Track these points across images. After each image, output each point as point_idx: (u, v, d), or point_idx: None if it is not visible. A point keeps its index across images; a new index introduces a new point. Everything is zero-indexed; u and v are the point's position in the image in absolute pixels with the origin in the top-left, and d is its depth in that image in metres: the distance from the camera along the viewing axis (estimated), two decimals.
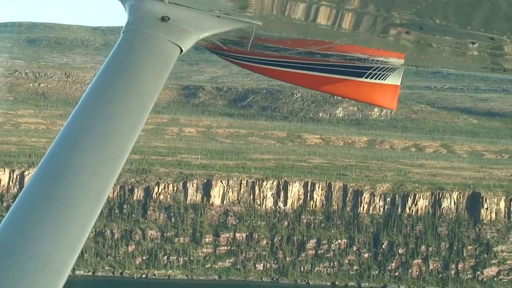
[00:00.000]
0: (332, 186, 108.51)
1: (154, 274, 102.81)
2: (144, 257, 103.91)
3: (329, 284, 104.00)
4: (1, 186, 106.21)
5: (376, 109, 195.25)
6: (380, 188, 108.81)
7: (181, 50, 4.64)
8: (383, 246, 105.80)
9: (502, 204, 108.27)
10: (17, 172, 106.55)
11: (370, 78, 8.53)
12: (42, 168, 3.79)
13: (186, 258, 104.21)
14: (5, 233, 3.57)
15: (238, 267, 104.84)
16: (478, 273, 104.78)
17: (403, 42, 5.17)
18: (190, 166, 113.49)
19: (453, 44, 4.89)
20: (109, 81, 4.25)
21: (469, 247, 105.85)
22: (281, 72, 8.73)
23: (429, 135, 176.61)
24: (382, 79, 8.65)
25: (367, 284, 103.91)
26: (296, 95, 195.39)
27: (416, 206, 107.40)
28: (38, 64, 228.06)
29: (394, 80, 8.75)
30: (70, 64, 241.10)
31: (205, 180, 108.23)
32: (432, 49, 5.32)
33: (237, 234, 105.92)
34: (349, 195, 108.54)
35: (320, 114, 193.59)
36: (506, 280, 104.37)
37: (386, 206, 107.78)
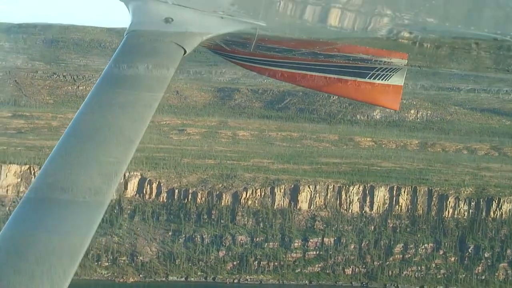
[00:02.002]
0: (418, 190, 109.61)
1: (246, 279, 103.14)
2: (235, 262, 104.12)
3: None
4: None
5: (412, 111, 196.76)
6: (464, 192, 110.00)
7: (185, 51, 4.75)
8: (469, 250, 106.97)
9: None
10: None
11: (373, 79, 8.60)
12: (48, 165, 3.87)
13: (276, 263, 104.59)
14: (10, 233, 3.66)
15: (328, 271, 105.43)
16: None
17: (407, 43, 5.33)
18: (272, 171, 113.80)
19: (457, 45, 5.10)
20: (114, 82, 4.34)
21: None
22: (285, 72, 8.80)
23: (468, 136, 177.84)
24: (385, 80, 8.71)
25: (455, 287, 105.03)
26: (333, 96, 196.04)
27: (501, 210, 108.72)
28: (58, 66, 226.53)
29: (397, 80, 8.81)
30: (90, 65, 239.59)
31: (292, 185, 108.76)
32: (435, 50, 5.54)
33: (325, 239, 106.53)
34: (434, 199, 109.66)
35: (358, 116, 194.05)
36: None
37: (470, 210, 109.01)
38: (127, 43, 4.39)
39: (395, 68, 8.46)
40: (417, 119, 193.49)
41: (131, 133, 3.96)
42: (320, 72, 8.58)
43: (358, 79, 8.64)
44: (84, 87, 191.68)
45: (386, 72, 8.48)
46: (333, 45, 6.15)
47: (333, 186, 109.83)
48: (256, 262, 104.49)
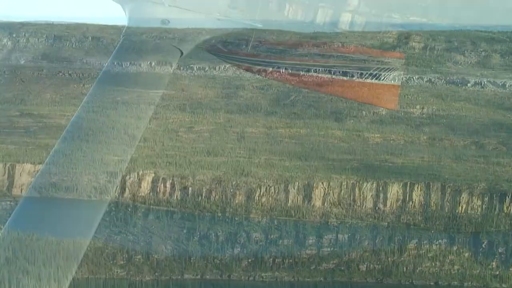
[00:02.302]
0: (431, 186, 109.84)
1: (262, 276, 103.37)
2: (250, 260, 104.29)
3: (432, 284, 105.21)
4: None
5: (418, 106, 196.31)
6: (477, 187, 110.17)
7: (182, 53, 4.90)
8: (483, 246, 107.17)
9: None
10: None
11: (371, 79, 8.68)
12: (50, 164, 3.97)
13: (291, 260, 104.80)
14: (16, 232, 3.78)
15: (342, 268, 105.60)
16: None
17: (404, 43, 5.35)
18: (284, 167, 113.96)
19: (454, 44, 5.16)
20: (110, 84, 4.44)
21: None
22: (282, 73, 8.88)
23: (474, 131, 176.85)
24: (383, 80, 8.79)
25: (470, 283, 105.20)
26: None
27: None
28: (62, 64, 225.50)
29: (395, 80, 8.88)
30: (93, 63, 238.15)
31: (306, 182, 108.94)
32: (433, 49, 5.62)
33: (339, 236, 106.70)
34: (447, 195, 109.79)
35: (364, 112, 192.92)
36: None
37: (483, 206, 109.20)
38: (124, 45, 4.43)
39: (392, 68, 8.50)
40: (423, 114, 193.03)
41: (134, 130, 4.03)
42: (318, 72, 8.63)
43: (356, 80, 8.71)
44: (90, 85, 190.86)
45: (384, 72, 8.53)
46: (331, 45, 6.22)
47: (346, 182, 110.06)
48: (271, 259, 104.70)
